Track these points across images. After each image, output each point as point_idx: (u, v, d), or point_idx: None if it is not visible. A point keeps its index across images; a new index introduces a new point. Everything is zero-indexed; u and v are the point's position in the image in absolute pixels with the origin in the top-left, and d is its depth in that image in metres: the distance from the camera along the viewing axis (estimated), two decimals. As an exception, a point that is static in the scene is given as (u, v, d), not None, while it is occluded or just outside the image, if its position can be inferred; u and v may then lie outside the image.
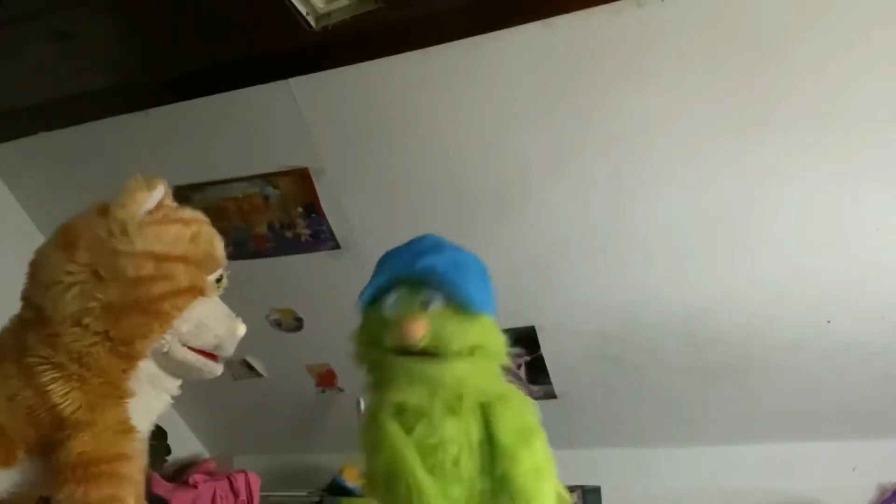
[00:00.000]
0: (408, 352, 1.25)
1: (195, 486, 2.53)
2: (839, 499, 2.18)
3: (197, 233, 1.21)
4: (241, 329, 1.27)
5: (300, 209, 2.18)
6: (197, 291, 1.18)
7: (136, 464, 1.17)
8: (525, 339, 2.23)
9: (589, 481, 2.46)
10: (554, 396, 2.36)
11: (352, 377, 2.63)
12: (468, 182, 1.95)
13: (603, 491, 2.47)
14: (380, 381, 1.32)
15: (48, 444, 1.13)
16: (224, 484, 2.58)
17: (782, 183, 1.73)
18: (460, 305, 1.26)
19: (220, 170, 2.15)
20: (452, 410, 1.28)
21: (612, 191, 1.86)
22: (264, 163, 2.09)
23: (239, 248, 2.35)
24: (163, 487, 2.49)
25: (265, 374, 2.75)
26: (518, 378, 2.30)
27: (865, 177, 1.68)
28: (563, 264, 2.05)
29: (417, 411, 1.27)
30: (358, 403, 2.60)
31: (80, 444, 1.10)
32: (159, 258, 1.14)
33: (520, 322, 2.20)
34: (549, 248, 2.02)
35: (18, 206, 2.41)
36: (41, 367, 1.13)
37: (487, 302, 1.32)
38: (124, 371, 1.16)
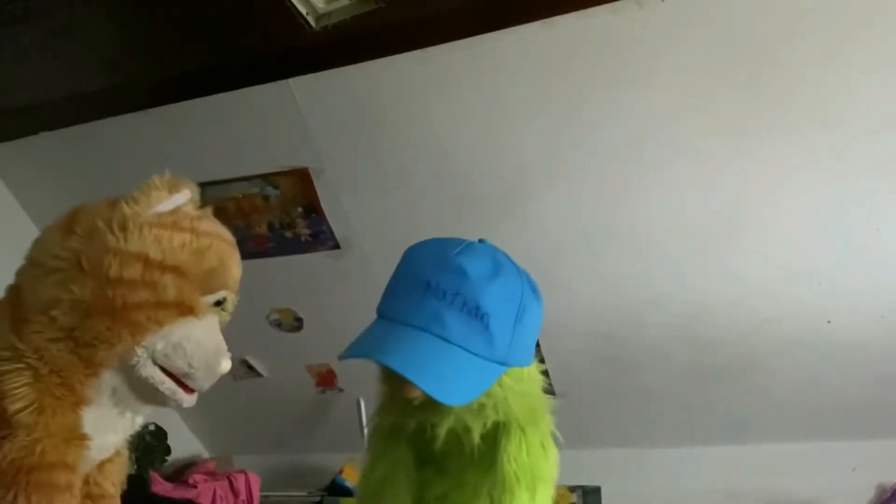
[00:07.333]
0: None
1: (195, 486, 2.53)
2: (839, 499, 2.18)
3: (207, 247, 1.10)
4: (224, 366, 1.13)
5: (300, 209, 2.17)
6: (185, 309, 1.06)
7: (78, 474, 1.06)
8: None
9: (589, 481, 2.46)
10: (554, 396, 2.36)
11: (352, 377, 2.65)
12: (468, 182, 1.95)
13: (603, 491, 2.47)
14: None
15: None
16: (224, 484, 2.58)
17: (783, 183, 1.73)
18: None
19: (220, 170, 2.15)
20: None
21: (612, 190, 1.86)
22: (264, 163, 2.09)
23: (239, 248, 2.35)
24: (162, 487, 2.50)
25: (265, 374, 2.75)
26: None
27: (866, 176, 1.68)
28: (563, 264, 2.04)
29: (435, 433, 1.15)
30: (358, 403, 2.61)
31: (16, 448, 0.98)
32: (149, 263, 1.01)
33: (520, 322, 2.20)
34: (550, 248, 2.01)
35: (18, 206, 2.41)
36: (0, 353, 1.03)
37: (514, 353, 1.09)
38: (85, 377, 1.05)
